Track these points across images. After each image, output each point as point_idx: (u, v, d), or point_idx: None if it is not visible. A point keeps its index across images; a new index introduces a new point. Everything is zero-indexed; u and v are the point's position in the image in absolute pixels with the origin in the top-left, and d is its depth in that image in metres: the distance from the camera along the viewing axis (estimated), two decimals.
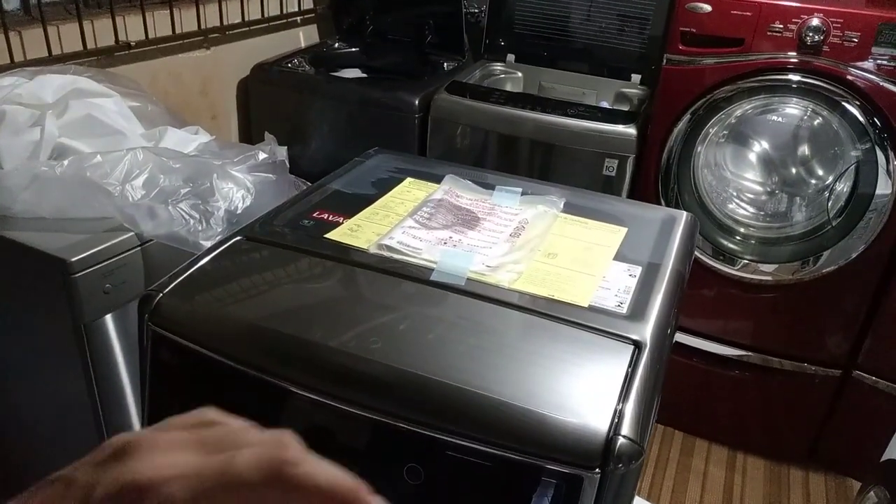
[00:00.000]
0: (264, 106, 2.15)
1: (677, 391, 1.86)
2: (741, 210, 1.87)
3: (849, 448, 1.92)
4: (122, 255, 1.31)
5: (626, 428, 0.71)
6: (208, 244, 1.36)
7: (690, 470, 1.96)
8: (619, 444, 0.70)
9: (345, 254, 0.96)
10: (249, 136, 2.20)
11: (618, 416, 0.72)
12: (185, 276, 0.91)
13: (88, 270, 1.25)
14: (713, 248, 1.82)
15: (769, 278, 1.79)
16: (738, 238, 1.83)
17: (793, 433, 1.98)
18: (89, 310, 1.27)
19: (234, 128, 2.19)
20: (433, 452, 0.74)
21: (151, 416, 0.91)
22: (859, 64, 1.55)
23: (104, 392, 1.36)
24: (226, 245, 0.96)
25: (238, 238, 0.99)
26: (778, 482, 1.94)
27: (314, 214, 1.08)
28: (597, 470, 0.69)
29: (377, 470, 0.78)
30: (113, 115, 1.51)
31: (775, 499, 1.89)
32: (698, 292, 1.87)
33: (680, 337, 1.92)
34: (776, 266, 1.78)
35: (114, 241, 1.29)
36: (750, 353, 1.91)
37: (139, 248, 1.33)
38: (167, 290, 0.88)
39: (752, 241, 1.83)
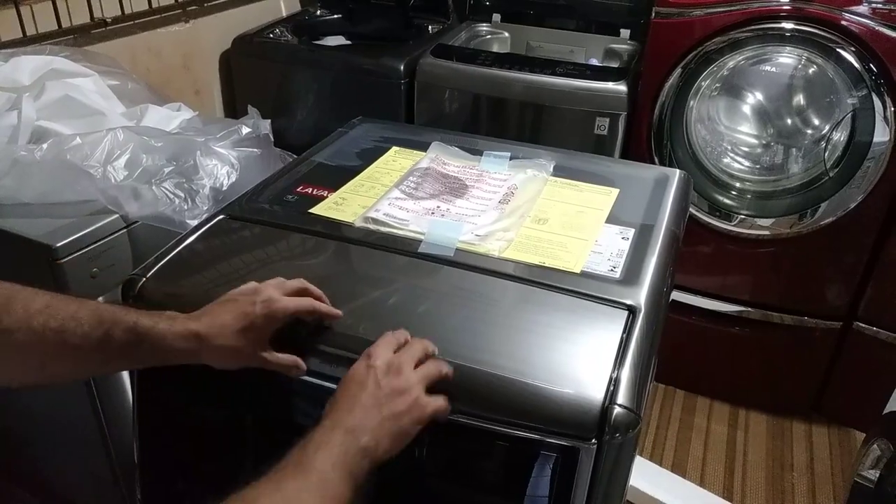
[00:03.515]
0: (248, 78, 2.10)
1: (677, 350, 1.85)
2: (736, 164, 1.84)
3: (851, 399, 1.92)
4: (107, 238, 1.28)
5: (621, 396, 0.70)
6: (194, 223, 1.33)
7: (693, 428, 1.96)
8: (614, 413, 0.68)
9: (330, 229, 0.94)
10: (234, 109, 2.16)
11: (613, 384, 0.71)
12: (167, 258, 0.89)
13: (74, 255, 1.23)
14: (709, 204, 1.79)
15: (767, 232, 1.77)
16: (733, 193, 1.80)
17: (794, 387, 1.97)
18: (78, 295, 1.24)
19: (219, 102, 2.15)
20: (426, 429, 0.72)
21: (141, 403, 0.90)
22: (853, 8, 1.51)
23: (100, 378, 1.35)
24: (209, 225, 0.94)
25: (221, 217, 0.97)
26: (781, 437, 1.94)
27: (298, 189, 1.05)
28: (593, 441, 0.68)
29: None
30: (92, 95, 1.47)
31: (778, 453, 1.89)
32: (695, 249, 1.85)
33: (678, 295, 1.91)
34: (773, 220, 1.76)
35: (99, 225, 1.26)
36: (749, 309, 1.90)
37: (125, 229, 1.31)
38: (150, 273, 0.86)
39: (749, 196, 1.80)
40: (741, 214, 1.77)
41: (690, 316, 1.94)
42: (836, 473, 1.84)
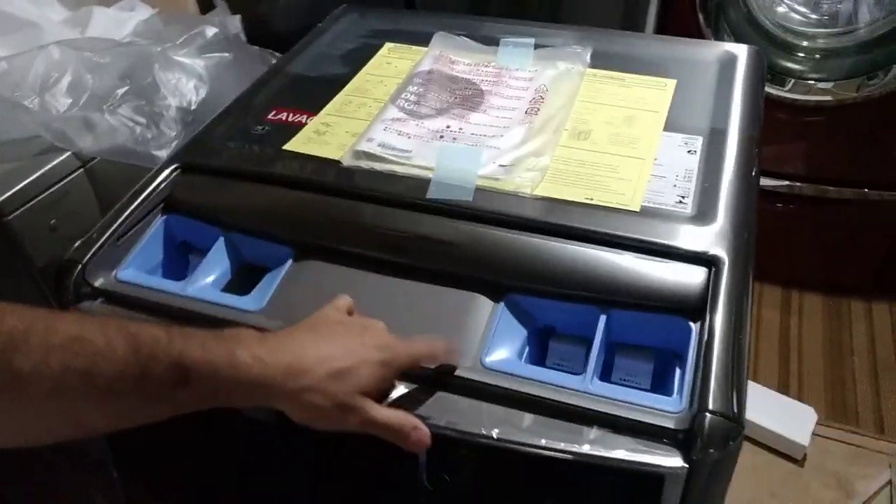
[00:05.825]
0: None
1: None
2: (793, 15, 1.56)
3: None
4: (62, 182, 1.09)
5: (713, 399, 0.51)
6: (162, 153, 1.14)
7: None
8: (706, 422, 0.51)
9: (311, 173, 0.73)
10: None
11: (700, 382, 0.53)
12: (109, 232, 0.69)
13: (25, 207, 1.04)
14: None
15: (829, 98, 1.51)
16: (797, 53, 1.53)
17: (853, 265, 1.79)
18: (38, 254, 1.07)
19: None
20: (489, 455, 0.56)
21: None
22: None
23: None
24: (156, 182, 0.74)
25: (173, 168, 0.76)
26: (838, 318, 1.78)
27: (270, 116, 0.84)
28: (681, 463, 0.51)
29: (390, 478, 0.61)
30: (20, 3, 1.23)
31: (836, 336, 1.74)
32: None
33: None
34: (834, 83, 1.50)
35: (49, 167, 1.07)
36: (801, 184, 1.68)
37: (81, 169, 1.12)
38: (90, 256, 0.67)
39: (809, 55, 1.53)
40: (803, 78, 1.52)
41: None
42: None
